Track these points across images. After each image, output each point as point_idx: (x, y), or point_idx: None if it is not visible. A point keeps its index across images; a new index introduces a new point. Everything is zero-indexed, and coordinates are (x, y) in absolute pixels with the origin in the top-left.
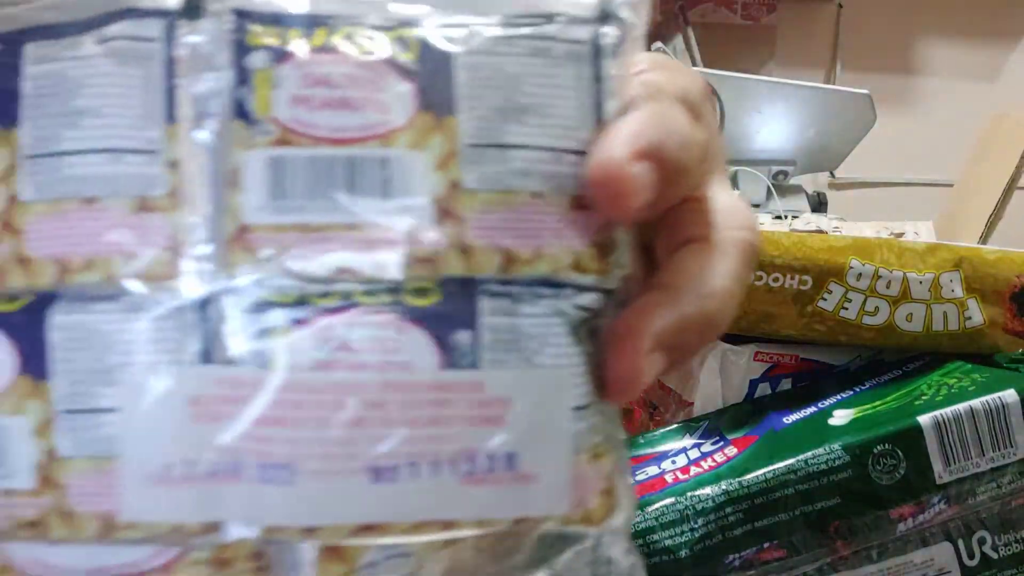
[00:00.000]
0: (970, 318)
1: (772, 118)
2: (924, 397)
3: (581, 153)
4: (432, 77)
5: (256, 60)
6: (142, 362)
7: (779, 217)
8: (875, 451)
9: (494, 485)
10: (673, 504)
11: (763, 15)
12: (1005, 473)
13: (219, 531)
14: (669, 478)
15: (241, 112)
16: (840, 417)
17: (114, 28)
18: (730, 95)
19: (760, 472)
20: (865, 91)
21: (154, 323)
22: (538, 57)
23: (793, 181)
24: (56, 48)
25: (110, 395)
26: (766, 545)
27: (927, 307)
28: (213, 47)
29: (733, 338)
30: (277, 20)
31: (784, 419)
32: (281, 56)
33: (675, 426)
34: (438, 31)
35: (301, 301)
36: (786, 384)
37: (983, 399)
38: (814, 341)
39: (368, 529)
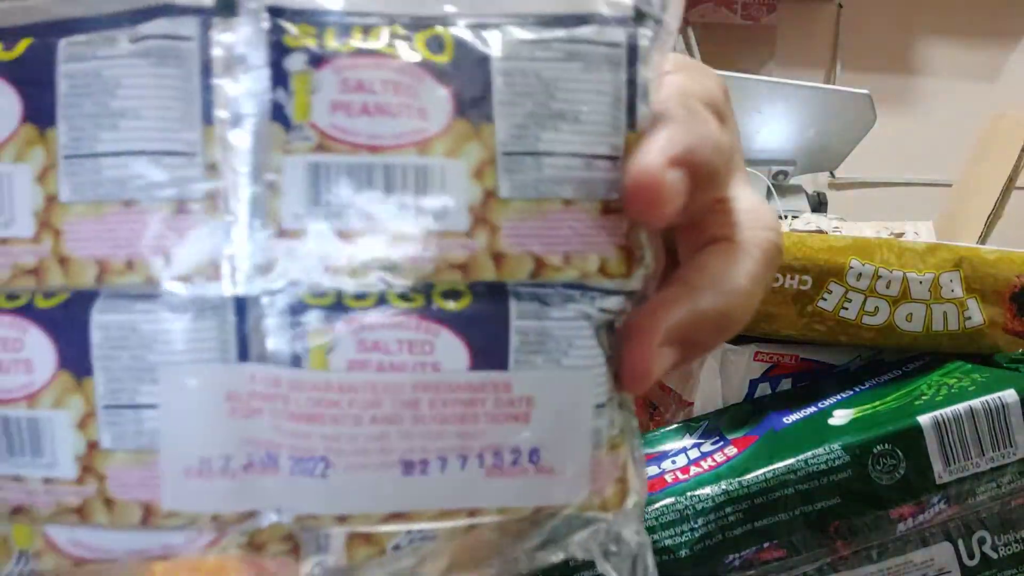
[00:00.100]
0: (970, 318)
1: (772, 118)
2: (924, 397)
3: (612, 158)
4: (469, 82)
5: (294, 63)
6: (181, 361)
7: (779, 217)
8: (875, 451)
9: (517, 477)
10: (673, 504)
11: (763, 15)
12: (1005, 473)
13: (255, 519)
14: (669, 478)
15: (279, 115)
16: (840, 417)
17: (148, 26)
18: (730, 95)
19: (760, 472)
20: (865, 91)
21: (193, 323)
22: (574, 61)
23: (793, 181)
24: (89, 46)
25: (149, 392)
26: (766, 545)
27: (927, 307)
28: (250, 47)
29: (733, 338)
30: (312, 18)
31: (784, 419)
32: (319, 60)
33: (675, 426)
34: (473, 31)
35: (337, 303)
36: (786, 384)
37: (983, 399)
38: (814, 341)
39: (397, 517)
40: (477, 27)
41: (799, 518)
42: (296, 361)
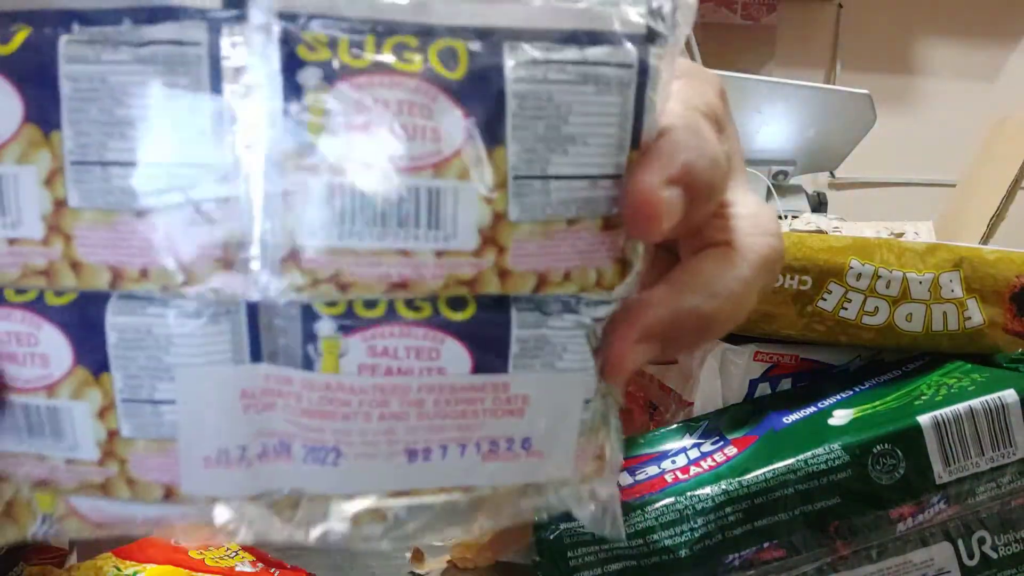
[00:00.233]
0: (970, 318)
1: (772, 118)
2: (924, 397)
3: (616, 176)
4: (482, 104)
5: (308, 78)
6: (196, 363)
7: (779, 217)
8: (875, 451)
9: (510, 461)
10: (673, 504)
11: (763, 15)
12: (1005, 473)
13: (270, 495)
14: (669, 478)
15: (293, 131)
16: (840, 417)
17: (155, 30)
18: (730, 95)
19: (760, 472)
20: (865, 91)
21: (206, 327)
22: (587, 84)
23: (793, 181)
24: (92, 48)
25: (167, 389)
26: (766, 545)
27: (927, 307)
28: (261, 56)
29: (733, 338)
30: (324, 26)
31: (784, 419)
32: (333, 76)
33: (675, 426)
34: (486, 46)
35: (348, 310)
36: (786, 384)
37: (983, 399)
38: (814, 341)
39: (400, 493)
40: (490, 41)
41: (799, 518)
42: (308, 364)
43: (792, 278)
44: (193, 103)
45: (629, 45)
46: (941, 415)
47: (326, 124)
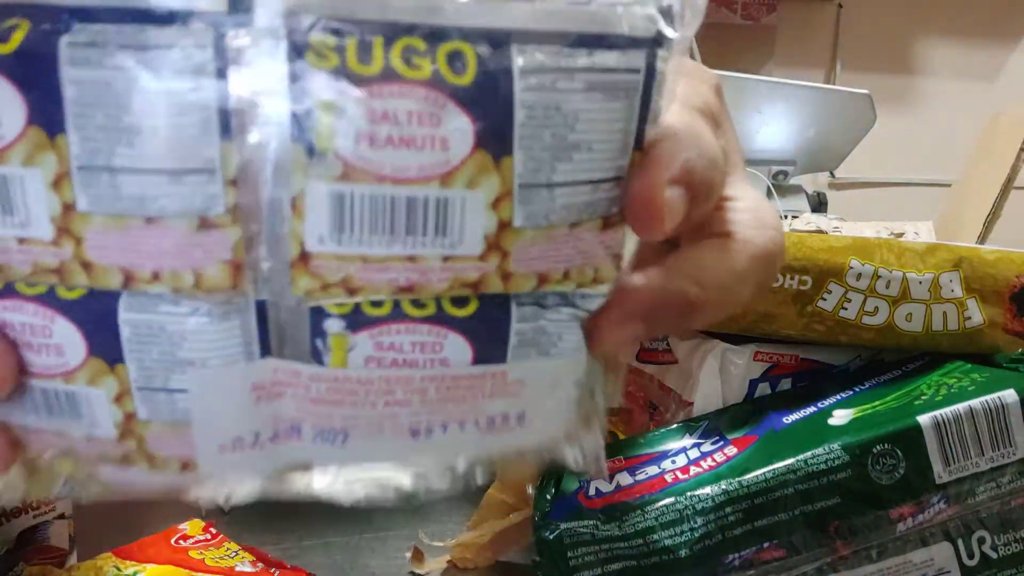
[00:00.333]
0: (970, 318)
1: (772, 118)
2: (924, 397)
3: (618, 179)
4: (490, 112)
5: (316, 84)
6: (207, 359)
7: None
8: (875, 451)
9: (506, 433)
10: (673, 504)
11: (763, 15)
12: (1005, 473)
13: (282, 468)
14: (669, 478)
15: (301, 138)
16: (840, 417)
17: (160, 34)
18: (730, 95)
19: (760, 472)
20: (865, 91)
21: (217, 324)
22: (595, 91)
23: (793, 181)
24: (94, 50)
25: (180, 380)
26: (766, 545)
27: (927, 307)
28: (269, 62)
29: (733, 338)
30: (332, 29)
31: (784, 419)
32: (341, 83)
33: (675, 426)
34: (494, 50)
35: (355, 309)
36: (786, 384)
37: (983, 399)
38: (814, 341)
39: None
40: (499, 44)
41: (799, 518)
42: (317, 359)
43: (792, 278)
44: (200, 109)
45: (637, 49)
46: (941, 415)
47: (334, 131)
